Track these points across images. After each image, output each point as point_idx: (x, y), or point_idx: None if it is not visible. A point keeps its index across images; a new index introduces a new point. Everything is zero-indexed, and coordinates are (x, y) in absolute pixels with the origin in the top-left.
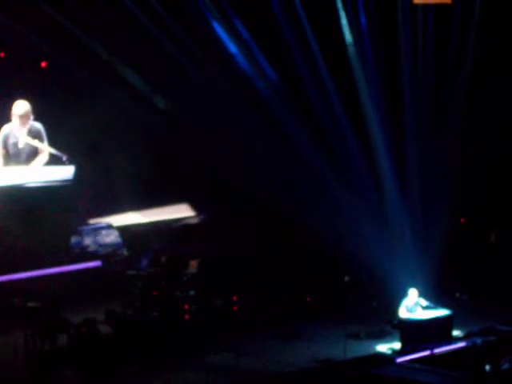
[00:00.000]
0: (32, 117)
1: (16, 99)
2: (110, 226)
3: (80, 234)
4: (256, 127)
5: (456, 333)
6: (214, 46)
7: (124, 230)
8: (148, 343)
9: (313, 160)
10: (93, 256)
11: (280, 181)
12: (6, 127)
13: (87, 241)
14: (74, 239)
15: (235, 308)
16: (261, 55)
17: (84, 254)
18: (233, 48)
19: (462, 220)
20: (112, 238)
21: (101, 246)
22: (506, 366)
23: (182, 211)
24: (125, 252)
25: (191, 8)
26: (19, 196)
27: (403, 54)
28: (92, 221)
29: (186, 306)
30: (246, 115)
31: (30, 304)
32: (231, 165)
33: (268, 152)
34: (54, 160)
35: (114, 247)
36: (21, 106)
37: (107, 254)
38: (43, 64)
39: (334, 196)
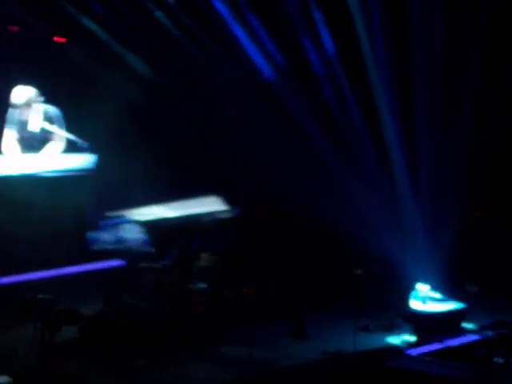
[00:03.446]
0: (40, 99)
1: (30, 77)
2: (132, 221)
3: (99, 228)
4: (266, 119)
5: (467, 326)
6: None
7: (148, 225)
8: (160, 336)
9: (324, 153)
10: (113, 253)
11: (291, 175)
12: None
13: (107, 236)
14: (92, 234)
15: (247, 300)
16: (269, 42)
17: (103, 251)
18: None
19: (475, 213)
20: (134, 233)
21: (122, 242)
22: None
23: (212, 204)
24: (148, 249)
25: None
26: (33, 186)
27: (414, 40)
28: (112, 215)
29: (199, 299)
30: (256, 107)
31: (41, 296)
32: (242, 157)
33: (279, 147)
34: (72, 147)
35: (137, 243)
36: (21, 93)
37: (129, 251)
38: (60, 40)
39: (345, 189)
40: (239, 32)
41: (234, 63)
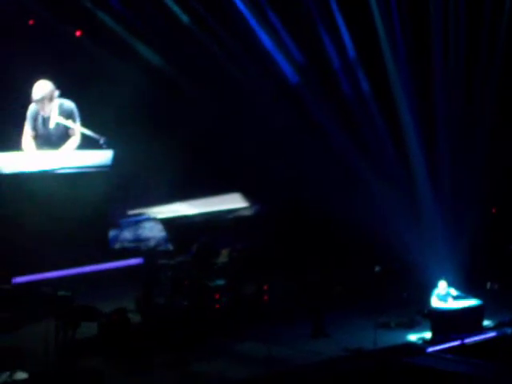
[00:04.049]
0: (57, 93)
1: (46, 72)
2: (152, 218)
3: (119, 226)
4: (287, 116)
5: (487, 323)
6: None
7: (169, 223)
8: (178, 332)
9: (344, 151)
10: (133, 251)
11: (311, 173)
12: (34, 105)
13: (127, 235)
14: (112, 233)
15: (266, 297)
16: (288, 39)
17: (123, 250)
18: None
19: (494, 210)
20: (155, 231)
21: (142, 240)
22: None
23: (233, 202)
24: (169, 247)
25: None
26: (51, 183)
27: (434, 39)
28: (132, 212)
29: (217, 296)
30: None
31: (61, 293)
32: (262, 155)
33: (300, 145)
34: (89, 143)
35: (158, 241)
36: (38, 89)
37: (149, 249)
38: (77, 33)
39: (365, 186)
40: (257, 27)
41: (254, 59)
